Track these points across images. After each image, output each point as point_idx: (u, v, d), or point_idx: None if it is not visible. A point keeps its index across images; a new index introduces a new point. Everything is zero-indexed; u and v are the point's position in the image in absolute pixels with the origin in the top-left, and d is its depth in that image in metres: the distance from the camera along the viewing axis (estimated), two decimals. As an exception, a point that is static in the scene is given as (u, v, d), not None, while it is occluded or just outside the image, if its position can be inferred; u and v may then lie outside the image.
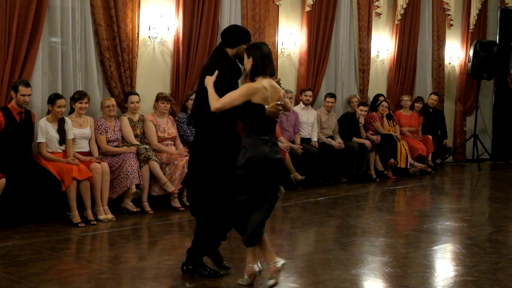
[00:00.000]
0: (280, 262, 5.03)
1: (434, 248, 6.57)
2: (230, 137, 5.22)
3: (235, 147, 5.17)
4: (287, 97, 10.22)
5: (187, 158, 8.21)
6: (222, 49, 5.30)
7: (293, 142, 10.31)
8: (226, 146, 5.16)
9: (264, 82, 5.04)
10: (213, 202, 5.17)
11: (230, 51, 5.27)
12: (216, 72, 5.07)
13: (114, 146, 7.97)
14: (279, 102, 5.04)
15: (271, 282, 5.05)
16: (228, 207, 5.07)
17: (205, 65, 5.31)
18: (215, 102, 4.99)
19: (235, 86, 5.14)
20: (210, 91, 5.03)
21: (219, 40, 9.50)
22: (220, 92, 5.00)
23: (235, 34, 5.29)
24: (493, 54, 13.82)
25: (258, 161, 4.95)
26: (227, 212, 5.13)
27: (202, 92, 5.13)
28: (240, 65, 5.33)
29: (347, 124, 11.26)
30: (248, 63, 5.09)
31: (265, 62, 5.06)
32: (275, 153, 5.05)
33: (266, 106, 4.99)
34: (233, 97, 4.97)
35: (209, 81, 5.06)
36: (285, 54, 10.82)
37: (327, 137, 10.87)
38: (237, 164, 5.00)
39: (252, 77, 5.09)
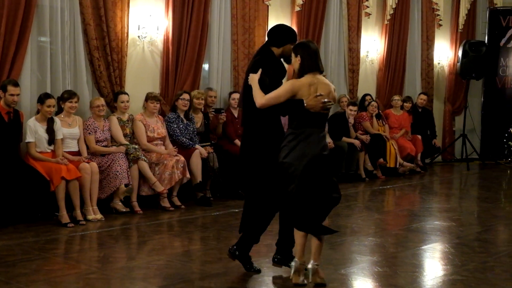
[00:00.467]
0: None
1: (423, 247, 6.59)
2: (276, 133, 5.27)
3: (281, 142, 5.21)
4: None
5: (177, 158, 8.22)
6: (267, 48, 5.36)
7: (282, 141, 10.30)
8: (273, 142, 5.21)
9: (310, 79, 5.09)
10: (263, 196, 5.28)
11: (276, 50, 5.33)
12: (260, 70, 5.15)
13: (103, 146, 7.95)
14: (318, 94, 5.03)
15: (319, 280, 5.10)
16: (282, 200, 5.10)
17: (250, 64, 5.40)
18: (260, 98, 5.07)
19: (279, 85, 5.19)
20: (254, 88, 5.12)
21: (208, 39, 9.64)
22: (264, 90, 5.08)
23: (282, 34, 5.36)
24: (482, 54, 13.88)
25: (297, 158, 5.00)
26: (273, 209, 5.31)
27: (247, 90, 5.22)
28: (285, 64, 5.41)
29: (337, 124, 11.28)
30: (296, 62, 5.17)
31: (312, 59, 5.13)
32: (313, 149, 5.02)
33: (305, 100, 5.02)
34: (278, 94, 5.05)
35: (254, 78, 5.15)
36: (275, 54, 10.80)
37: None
38: (280, 157, 5.06)
39: (300, 75, 5.15)
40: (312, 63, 5.13)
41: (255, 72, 5.17)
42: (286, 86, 5.07)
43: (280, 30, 5.43)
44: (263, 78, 5.14)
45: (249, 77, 5.21)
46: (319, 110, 5.06)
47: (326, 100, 5.06)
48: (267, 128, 5.24)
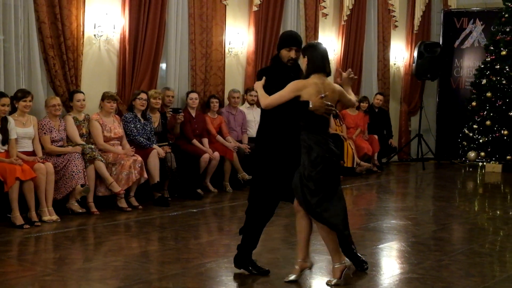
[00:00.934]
0: (348, 262, 5.26)
1: (380, 246, 6.65)
2: (287, 135, 5.28)
3: (293, 144, 5.24)
4: (234, 96, 10.37)
5: (134, 158, 8.15)
6: (277, 53, 5.46)
7: (240, 141, 10.31)
8: (282, 143, 5.27)
9: (315, 80, 5.12)
10: (266, 199, 5.37)
11: (280, 55, 5.41)
12: (264, 78, 5.28)
13: (59, 146, 7.83)
14: (323, 95, 5.06)
15: (336, 281, 5.17)
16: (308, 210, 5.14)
17: (259, 70, 5.70)
18: (264, 99, 5.20)
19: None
20: (259, 92, 5.25)
21: (166, 38, 9.59)
22: (270, 94, 5.19)
23: (279, 39, 5.51)
24: (436, 55, 14.08)
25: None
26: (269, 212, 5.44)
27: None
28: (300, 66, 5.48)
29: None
30: (304, 62, 5.24)
31: (318, 61, 5.16)
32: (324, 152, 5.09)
33: (310, 101, 5.04)
34: (281, 93, 5.12)
35: (258, 84, 5.29)
36: (233, 54, 10.81)
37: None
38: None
39: (306, 76, 5.19)
40: (317, 65, 5.17)
41: (260, 79, 5.32)
42: (290, 86, 5.13)
43: (281, 35, 5.61)
44: (272, 80, 5.26)
45: (254, 85, 5.40)
46: (323, 113, 5.10)
47: (329, 103, 5.10)
48: (276, 130, 5.32)
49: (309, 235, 5.26)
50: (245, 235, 5.51)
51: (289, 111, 5.20)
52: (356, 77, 5.45)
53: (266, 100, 5.18)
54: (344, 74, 5.52)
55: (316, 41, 5.36)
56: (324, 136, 5.16)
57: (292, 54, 5.32)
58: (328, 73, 5.25)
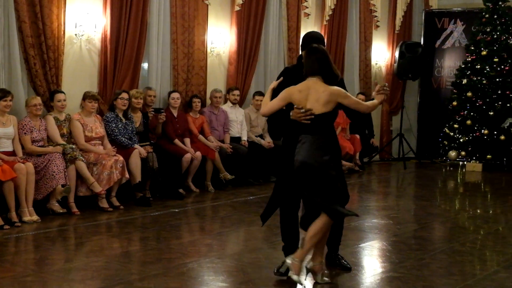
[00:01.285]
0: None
1: (361, 245, 6.67)
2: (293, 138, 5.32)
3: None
4: (216, 96, 10.35)
5: (115, 158, 8.12)
6: (301, 54, 5.49)
7: (222, 141, 10.31)
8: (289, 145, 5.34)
9: (304, 85, 5.15)
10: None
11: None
12: (281, 79, 5.39)
13: (40, 146, 7.78)
14: (298, 107, 5.10)
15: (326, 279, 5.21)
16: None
17: (284, 68, 5.84)
18: (263, 107, 5.35)
19: None
20: (265, 97, 5.38)
21: (147, 38, 9.56)
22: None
23: (302, 40, 5.58)
24: (418, 55, 14.15)
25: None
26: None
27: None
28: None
29: (278, 123, 11.28)
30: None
31: (309, 64, 5.18)
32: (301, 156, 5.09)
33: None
34: (273, 101, 5.24)
35: (270, 87, 5.38)
36: (215, 53, 10.80)
37: (257, 136, 10.91)
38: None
39: (304, 79, 5.24)
40: (307, 69, 5.18)
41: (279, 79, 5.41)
42: (281, 93, 5.20)
43: (302, 37, 5.66)
44: (286, 82, 5.31)
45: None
46: (302, 121, 5.11)
47: (303, 111, 5.07)
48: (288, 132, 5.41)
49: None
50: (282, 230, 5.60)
51: (279, 119, 5.33)
52: (387, 89, 5.42)
53: (264, 108, 5.31)
54: (376, 88, 5.42)
55: (316, 45, 5.33)
56: (311, 137, 5.14)
57: None
58: (325, 75, 5.18)
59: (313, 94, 5.11)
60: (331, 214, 5.05)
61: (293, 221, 5.53)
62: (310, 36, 5.58)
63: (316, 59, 5.17)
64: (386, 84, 5.52)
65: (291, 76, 5.38)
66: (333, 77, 5.20)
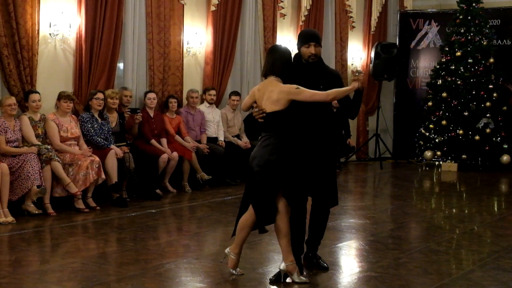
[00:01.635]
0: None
1: (338, 245, 6.69)
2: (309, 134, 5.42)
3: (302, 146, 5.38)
4: (193, 96, 10.32)
5: (91, 158, 8.06)
6: (298, 52, 5.49)
7: (199, 141, 10.28)
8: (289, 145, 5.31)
9: (262, 84, 5.30)
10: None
11: (301, 53, 5.47)
12: None
13: (14, 147, 7.70)
14: (254, 106, 5.32)
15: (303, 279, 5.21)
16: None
17: None
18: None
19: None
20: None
21: (123, 37, 9.49)
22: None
23: (298, 38, 5.54)
24: (393, 56, 14.25)
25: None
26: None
27: None
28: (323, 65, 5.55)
29: (253, 123, 11.29)
30: None
31: (269, 63, 5.27)
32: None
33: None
34: (245, 99, 5.55)
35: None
36: (191, 54, 10.76)
37: (233, 136, 10.90)
38: None
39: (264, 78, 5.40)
40: (266, 67, 5.30)
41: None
42: (249, 92, 5.41)
43: (298, 35, 5.64)
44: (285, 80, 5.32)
45: None
46: (257, 120, 5.25)
47: (256, 110, 5.22)
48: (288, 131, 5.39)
49: None
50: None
51: (307, 111, 5.31)
52: (361, 73, 5.42)
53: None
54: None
55: (276, 44, 5.42)
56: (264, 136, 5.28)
57: (312, 49, 5.37)
58: (280, 75, 5.24)
59: (266, 93, 5.22)
60: (256, 215, 5.25)
61: (301, 220, 5.55)
62: (310, 32, 5.63)
63: (274, 59, 5.27)
64: (359, 69, 5.58)
65: (290, 75, 5.36)
66: (287, 76, 5.28)
